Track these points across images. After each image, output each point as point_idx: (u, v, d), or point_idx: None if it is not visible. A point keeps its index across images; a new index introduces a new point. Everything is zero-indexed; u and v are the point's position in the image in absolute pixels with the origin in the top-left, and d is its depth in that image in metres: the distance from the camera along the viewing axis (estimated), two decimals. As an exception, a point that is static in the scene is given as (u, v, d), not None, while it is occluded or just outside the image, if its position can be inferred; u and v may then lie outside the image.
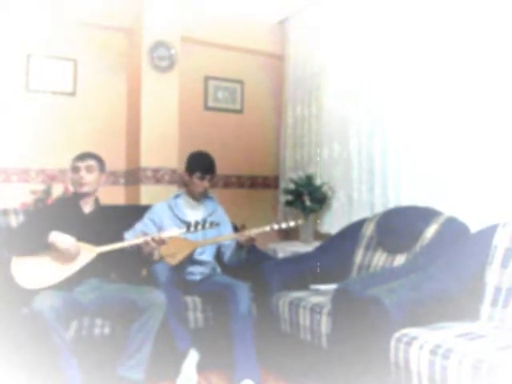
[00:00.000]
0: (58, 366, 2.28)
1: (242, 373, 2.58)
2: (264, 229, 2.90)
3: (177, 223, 3.00)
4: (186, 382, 2.62)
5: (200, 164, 3.07)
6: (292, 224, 2.97)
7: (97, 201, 2.80)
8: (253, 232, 2.89)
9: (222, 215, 3.21)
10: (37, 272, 2.45)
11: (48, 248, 2.47)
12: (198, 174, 3.04)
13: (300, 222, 3.07)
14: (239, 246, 2.96)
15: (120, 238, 2.72)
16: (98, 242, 2.57)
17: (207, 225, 2.74)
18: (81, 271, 2.51)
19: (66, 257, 2.48)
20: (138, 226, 2.99)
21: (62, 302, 2.33)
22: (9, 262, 2.46)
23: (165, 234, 2.64)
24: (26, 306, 2.32)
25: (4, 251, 2.52)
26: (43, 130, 3.80)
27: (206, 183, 3.06)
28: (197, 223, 2.72)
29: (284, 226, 2.95)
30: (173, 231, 2.71)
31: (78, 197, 2.72)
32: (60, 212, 2.69)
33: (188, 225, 2.72)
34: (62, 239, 2.47)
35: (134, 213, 3.19)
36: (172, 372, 2.66)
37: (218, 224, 2.83)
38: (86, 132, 3.94)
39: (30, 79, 3.81)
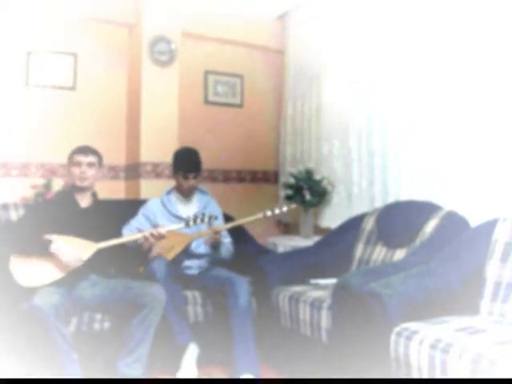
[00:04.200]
0: (59, 362, 2.26)
1: (241, 367, 2.59)
2: (257, 216, 2.93)
3: (170, 219, 3.01)
4: (186, 376, 2.62)
5: (182, 163, 3.05)
6: (285, 209, 2.99)
7: (94, 195, 2.78)
8: (247, 220, 2.93)
9: (215, 208, 3.21)
10: (36, 270, 2.43)
11: (48, 252, 2.44)
12: (181, 173, 3.04)
13: (292, 205, 3.13)
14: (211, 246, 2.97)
15: (118, 233, 2.70)
16: (95, 236, 2.56)
17: (206, 218, 2.73)
18: (81, 268, 2.50)
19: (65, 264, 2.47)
20: (133, 223, 2.98)
21: (62, 299, 2.32)
22: (7, 258, 2.43)
23: (164, 229, 2.64)
24: (25, 302, 2.30)
25: (2, 248, 2.48)
26: (43, 125, 3.78)
27: (190, 181, 3.04)
28: (195, 217, 2.72)
29: (277, 211, 2.96)
30: (172, 226, 2.74)
31: (74, 191, 2.70)
32: (57, 207, 2.67)
33: (187, 220, 2.72)
34: (63, 253, 2.44)
35: (133, 207, 3.18)
36: (172, 366, 2.66)
37: (216, 217, 2.83)
38: (86, 126, 3.92)
39: (30, 74, 3.78)
